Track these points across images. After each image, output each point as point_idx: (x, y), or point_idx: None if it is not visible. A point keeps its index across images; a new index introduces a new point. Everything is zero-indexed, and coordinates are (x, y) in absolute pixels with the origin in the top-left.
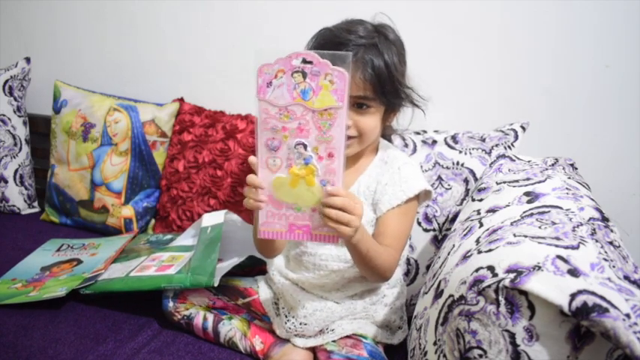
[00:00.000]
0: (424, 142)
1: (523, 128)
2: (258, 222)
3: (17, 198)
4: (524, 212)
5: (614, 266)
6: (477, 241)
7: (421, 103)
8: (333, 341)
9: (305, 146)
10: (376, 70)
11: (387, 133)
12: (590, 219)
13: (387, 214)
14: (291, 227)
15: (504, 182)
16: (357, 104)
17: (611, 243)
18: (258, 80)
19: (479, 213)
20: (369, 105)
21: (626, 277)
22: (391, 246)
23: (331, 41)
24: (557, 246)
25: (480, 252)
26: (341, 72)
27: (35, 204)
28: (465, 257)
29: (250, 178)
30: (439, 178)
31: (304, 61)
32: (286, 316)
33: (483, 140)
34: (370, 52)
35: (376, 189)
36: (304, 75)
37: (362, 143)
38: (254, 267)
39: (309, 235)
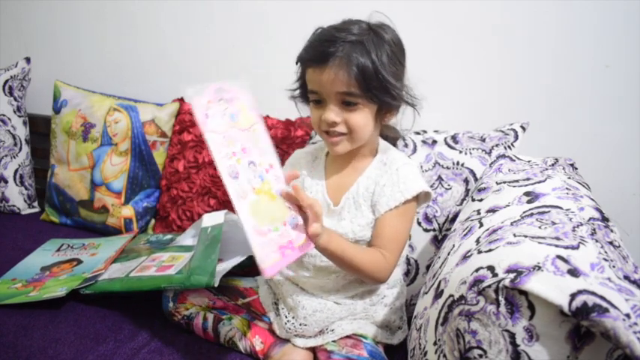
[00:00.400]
0: (424, 142)
1: (523, 128)
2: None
3: (17, 198)
4: (524, 212)
5: (614, 266)
6: (477, 241)
7: (416, 102)
8: (333, 341)
9: (254, 163)
10: (360, 68)
11: (389, 135)
12: (590, 219)
13: (384, 215)
14: (281, 250)
15: (504, 182)
16: (345, 102)
17: (611, 243)
18: (197, 115)
19: (479, 213)
20: (356, 102)
21: (626, 277)
22: (385, 247)
23: (319, 39)
24: (557, 246)
25: (480, 252)
26: (246, 93)
27: (35, 204)
28: (465, 257)
29: None
30: (439, 178)
31: (221, 90)
32: (286, 317)
33: (483, 140)
34: (355, 49)
35: (374, 190)
36: (226, 101)
37: (353, 141)
38: (254, 267)
39: (294, 250)
